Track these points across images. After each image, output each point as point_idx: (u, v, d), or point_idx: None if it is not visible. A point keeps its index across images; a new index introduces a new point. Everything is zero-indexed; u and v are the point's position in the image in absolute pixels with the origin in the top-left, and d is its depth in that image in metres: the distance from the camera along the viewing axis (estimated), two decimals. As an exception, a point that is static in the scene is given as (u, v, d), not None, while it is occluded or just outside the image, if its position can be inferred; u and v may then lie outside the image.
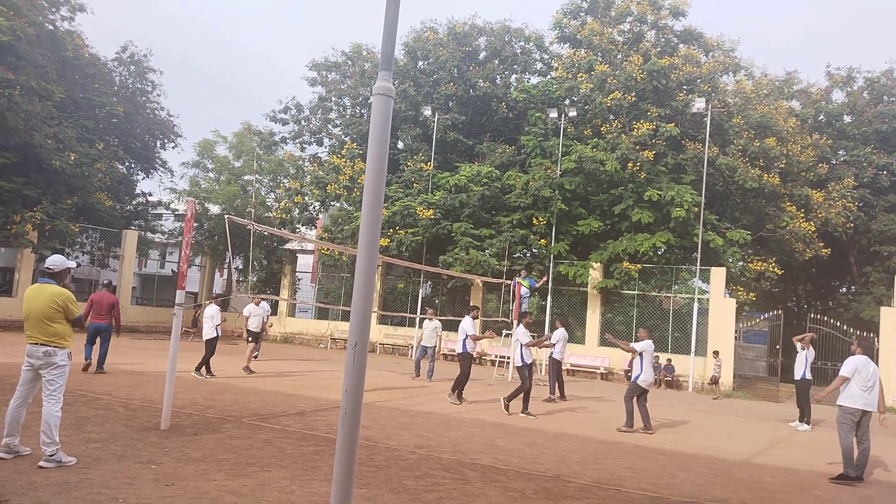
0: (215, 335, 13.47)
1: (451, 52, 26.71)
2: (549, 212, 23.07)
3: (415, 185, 25.06)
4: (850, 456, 8.19)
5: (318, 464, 6.76)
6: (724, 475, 8.08)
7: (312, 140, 31.00)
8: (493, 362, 21.36)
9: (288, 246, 30.69)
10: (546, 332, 21.25)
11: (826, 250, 24.33)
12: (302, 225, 29.67)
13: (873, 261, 26.60)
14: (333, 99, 30.31)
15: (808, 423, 13.31)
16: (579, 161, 22.59)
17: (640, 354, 11.06)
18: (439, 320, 17.22)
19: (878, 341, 19.98)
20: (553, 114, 23.55)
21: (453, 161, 26.12)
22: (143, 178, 32.53)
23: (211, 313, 13.67)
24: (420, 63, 28.26)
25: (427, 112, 25.75)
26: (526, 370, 11.88)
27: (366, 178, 3.51)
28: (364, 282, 3.46)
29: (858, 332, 21.02)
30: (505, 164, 25.25)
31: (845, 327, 21.28)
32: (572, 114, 23.62)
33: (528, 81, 27.96)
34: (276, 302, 28.13)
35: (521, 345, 12.04)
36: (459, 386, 12.72)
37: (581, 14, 26.82)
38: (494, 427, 10.20)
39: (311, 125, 30.77)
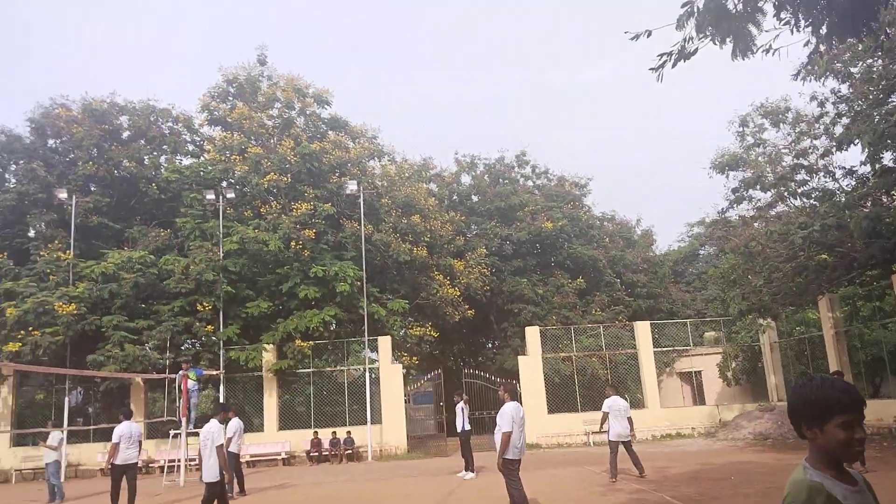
0: None
1: (87, 129, 24.26)
2: (215, 296, 22.02)
3: (51, 277, 21.83)
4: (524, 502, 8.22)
5: None
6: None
7: None
8: (162, 469, 19.21)
9: None
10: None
11: (471, 311, 27.53)
12: None
13: (508, 317, 30.83)
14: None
15: (472, 470, 14.64)
16: (242, 242, 22.24)
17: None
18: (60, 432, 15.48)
19: (519, 386, 23.08)
20: (210, 195, 22.74)
21: (99, 248, 23.47)
22: None
23: None
24: (51, 141, 25.16)
25: (62, 195, 22.70)
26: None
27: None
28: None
29: (506, 380, 23.99)
30: (161, 248, 23.53)
31: (494, 378, 24.14)
32: (230, 195, 23.17)
33: (180, 162, 26.76)
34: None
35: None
36: None
37: (230, 98, 26.94)
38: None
39: None
